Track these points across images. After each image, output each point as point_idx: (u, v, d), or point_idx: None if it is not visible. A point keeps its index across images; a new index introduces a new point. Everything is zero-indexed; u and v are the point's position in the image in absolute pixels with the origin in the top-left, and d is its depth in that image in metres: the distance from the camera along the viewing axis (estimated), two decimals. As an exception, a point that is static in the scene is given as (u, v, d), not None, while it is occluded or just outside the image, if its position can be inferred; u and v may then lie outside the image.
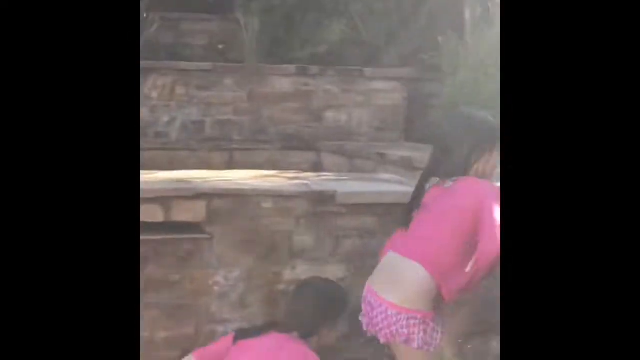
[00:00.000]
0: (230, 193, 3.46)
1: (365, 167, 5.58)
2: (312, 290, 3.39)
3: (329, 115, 6.44)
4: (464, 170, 3.19)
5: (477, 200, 3.09)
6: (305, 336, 3.22)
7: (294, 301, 3.37)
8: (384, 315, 3.06)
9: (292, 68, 6.36)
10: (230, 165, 5.77)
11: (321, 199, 3.57)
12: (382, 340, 3.11)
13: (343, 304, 3.35)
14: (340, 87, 6.43)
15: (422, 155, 5.15)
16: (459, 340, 3.47)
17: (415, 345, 3.03)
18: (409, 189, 3.75)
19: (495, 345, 3.73)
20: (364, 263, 3.59)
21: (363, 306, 3.17)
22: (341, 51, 6.56)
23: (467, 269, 3.09)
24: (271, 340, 3.18)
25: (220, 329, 3.42)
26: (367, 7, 6.71)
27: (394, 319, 3.03)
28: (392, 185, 3.94)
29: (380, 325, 3.07)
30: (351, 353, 3.58)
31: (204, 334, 3.40)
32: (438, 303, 3.08)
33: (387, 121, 6.47)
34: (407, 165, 5.13)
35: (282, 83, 6.36)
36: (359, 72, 6.42)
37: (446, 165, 3.22)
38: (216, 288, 3.43)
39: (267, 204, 3.48)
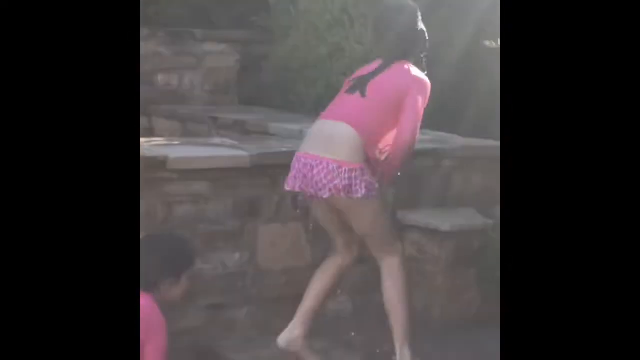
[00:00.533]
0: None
1: (199, 131, 5.54)
2: (148, 244, 3.30)
3: (160, 78, 6.32)
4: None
5: (406, 84, 3.51)
6: (145, 289, 3.09)
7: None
8: (325, 171, 3.37)
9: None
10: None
11: (152, 164, 3.54)
12: (326, 195, 3.37)
13: (185, 260, 3.29)
14: (171, 49, 6.34)
15: (255, 118, 5.17)
16: None
17: (359, 194, 3.36)
18: (242, 153, 3.81)
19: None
20: (197, 229, 3.64)
21: (298, 171, 3.46)
22: (171, 13, 6.44)
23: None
24: None
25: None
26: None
27: (336, 172, 3.35)
28: (225, 150, 3.94)
29: (324, 181, 3.36)
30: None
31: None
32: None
33: (219, 84, 6.44)
34: (240, 129, 5.14)
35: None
36: (189, 34, 6.33)
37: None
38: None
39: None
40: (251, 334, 3.78)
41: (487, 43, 4.41)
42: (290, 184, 3.56)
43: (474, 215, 4.10)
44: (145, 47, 6.20)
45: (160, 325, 3.12)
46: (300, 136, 4.38)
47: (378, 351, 3.65)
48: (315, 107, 5.47)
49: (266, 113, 5.55)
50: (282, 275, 3.88)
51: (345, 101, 3.67)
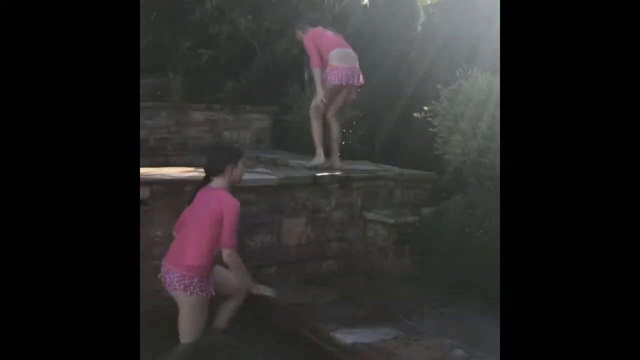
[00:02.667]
0: (164, 181, 3.40)
1: (248, 164, 5.54)
2: (215, 145, 3.37)
3: (226, 133, 6.36)
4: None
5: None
6: (216, 175, 2.99)
7: (205, 157, 3.20)
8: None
9: (202, 106, 6.25)
10: (165, 164, 5.62)
11: None
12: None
13: (237, 151, 3.18)
14: (232, 116, 6.36)
15: (281, 157, 5.21)
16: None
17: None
18: (273, 177, 3.82)
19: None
20: (247, 220, 3.59)
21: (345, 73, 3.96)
22: (232, 97, 6.51)
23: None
24: (203, 192, 3.05)
25: (159, 262, 3.35)
26: (249, 71, 6.67)
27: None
28: (263, 175, 3.91)
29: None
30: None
31: (149, 267, 3.33)
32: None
33: (260, 137, 6.48)
34: (272, 163, 5.13)
35: (197, 115, 6.23)
36: (243, 108, 6.39)
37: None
38: (157, 239, 3.36)
39: (188, 188, 3.42)
40: (277, 282, 3.67)
41: (415, 114, 4.32)
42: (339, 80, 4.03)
43: (407, 214, 4.04)
44: (218, 116, 6.33)
45: (233, 206, 2.91)
46: (306, 168, 4.46)
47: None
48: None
49: (287, 154, 5.54)
50: (295, 248, 3.84)
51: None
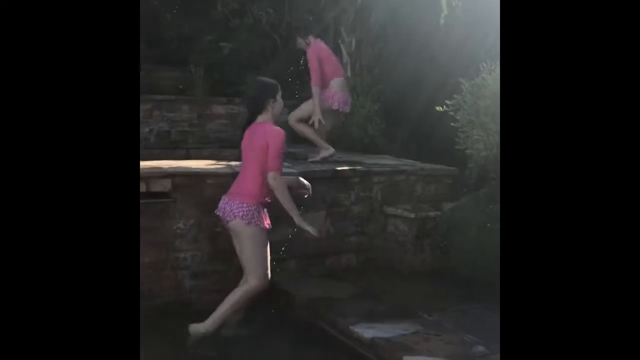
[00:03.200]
0: (186, 173, 3.43)
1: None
2: (253, 83, 3.54)
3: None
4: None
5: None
6: (260, 111, 3.21)
7: (248, 93, 3.57)
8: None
9: (223, 99, 6.28)
10: (186, 157, 5.67)
11: None
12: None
13: (275, 85, 3.30)
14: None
15: (300, 151, 5.21)
16: None
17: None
18: (293, 170, 3.81)
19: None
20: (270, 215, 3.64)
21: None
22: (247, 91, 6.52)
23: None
24: (249, 130, 3.22)
25: (181, 255, 3.39)
26: (270, 65, 6.67)
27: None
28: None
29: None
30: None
31: (171, 259, 3.37)
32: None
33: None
34: (291, 157, 5.11)
35: (218, 108, 6.26)
36: (265, 101, 6.40)
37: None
38: (178, 231, 3.39)
39: (210, 180, 3.47)
40: (297, 276, 3.73)
41: (437, 108, 4.28)
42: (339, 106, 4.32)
43: (428, 208, 4.02)
44: (239, 109, 6.31)
45: (277, 133, 3.15)
46: (327, 161, 4.46)
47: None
48: (335, 145, 5.53)
49: (306, 147, 5.54)
50: (315, 241, 3.76)
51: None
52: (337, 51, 6.26)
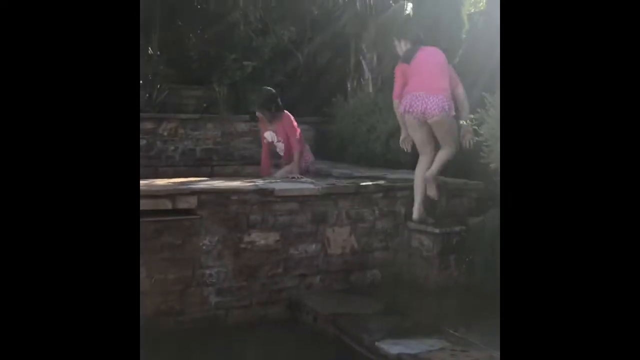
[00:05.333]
0: (211, 190, 3.46)
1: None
2: (260, 93, 4.87)
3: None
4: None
5: (442, 56, 3.84)
6: (269, 109, 4.75)
7: (257, 100, 5.01)
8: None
9: (247, 117, 6.34)
10: (211, 174, 5.73)
11: (265, 193, 3.56)
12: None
13: (274, 94, 4.79)
14: (276, 127, 6.44)
15: (323, 167, 5.24)
16: None
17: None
18: (316, 186, 3.82)
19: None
20: (291, 230, 3.64)
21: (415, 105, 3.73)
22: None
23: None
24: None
25: (207, 272, 3.41)
26: (292, 82, 6.74)
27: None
28: (306, 184, 3.92)
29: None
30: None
31: (197, 275, 3.39)
32: None
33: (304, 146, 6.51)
34: (316, 173, 5.14)
35: (242, 126, 6.35)
36: (287, 119, 6.45)
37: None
38: (204, 247, 3.41)
39: (234, 197, 3.48)
40: (322, 292, 3.72)
41: (461, 122, 4.24)
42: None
43: (453, 223, 3.97)
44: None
45: (295, 125, 4.75)
46: (350, 176, 4.47)
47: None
48: (358, 160, 5.53)
49: (330, 163, 5.56)
50: (339, 257, 3.82)
51: None
52: (358, 67, 6.33)
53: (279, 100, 4.74)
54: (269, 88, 4.94)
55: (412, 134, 3.97)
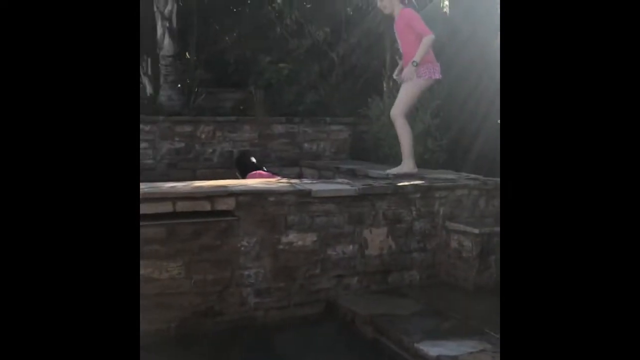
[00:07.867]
0: (249, 192, 3.49)
1: (328, 175, 5.62)
2: (236, 157, 5.13)
3: (306, 145, 6.47)
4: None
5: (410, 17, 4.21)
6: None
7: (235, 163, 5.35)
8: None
9: (283, 119, 6.40)
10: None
11: (302, 194, 3.57)
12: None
13: (247, 159, 5.16)
14: (312, 129, 6.47)
15: (360, 167, 5.22)
16: None
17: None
18: (353, 187, 3.79)
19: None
20: (329, 231, 3.63)
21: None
22: (312, 108, 6.60)
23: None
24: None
25: (245, 272, 3.43)
26: (328, 83, 6.75)
27: None
28: (343, 185, 3.91)
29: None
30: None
31: (236, 276, 3.42)
32: None
33: (339, 148, 6.53)
34: (351, 173, 5.13)
35: (278, 128, 6.40)
36: (323, 120, 6.47)
37: None
38: (242, 249, 3.43)
39: (272, 198, 3.49)
40: (359, 293, 3.71)
41: (499, 122, 4.18)
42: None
43: (493, 223, 3.93)
44: (298, 128, 6.44)
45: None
46: (386, 177, 4.45)
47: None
48: (394, 161, 5.49)
49: (366, 164, 5.54)
50: (376, 258, 3.80)
51: None
52: (393, 67, 6.29)
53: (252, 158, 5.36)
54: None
55: (412, 92, 4.37)
